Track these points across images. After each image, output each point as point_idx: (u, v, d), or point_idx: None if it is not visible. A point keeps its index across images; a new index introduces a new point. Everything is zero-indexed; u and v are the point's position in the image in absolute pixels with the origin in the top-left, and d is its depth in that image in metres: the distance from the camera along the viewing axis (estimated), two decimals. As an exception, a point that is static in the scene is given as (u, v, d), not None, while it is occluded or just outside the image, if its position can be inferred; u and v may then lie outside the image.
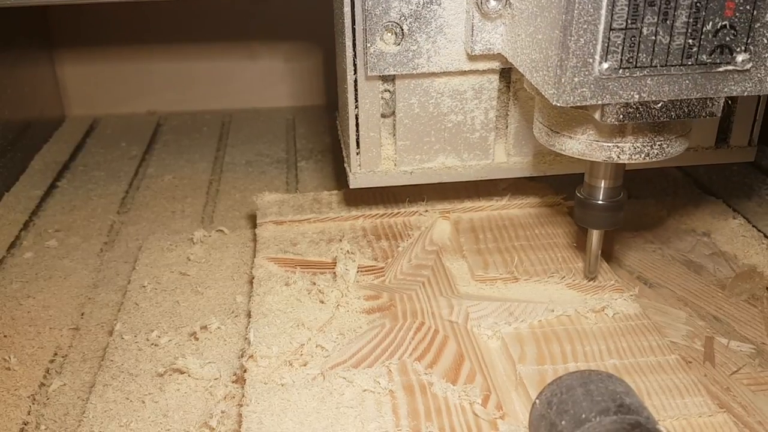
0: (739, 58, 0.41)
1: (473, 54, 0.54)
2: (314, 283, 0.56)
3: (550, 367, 0.47)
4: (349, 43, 0.55)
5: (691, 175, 0.83)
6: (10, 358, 0.55)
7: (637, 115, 0.44)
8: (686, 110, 0.44)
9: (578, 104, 0.41)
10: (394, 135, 0.60)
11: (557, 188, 0.70)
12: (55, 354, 0.56)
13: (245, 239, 0.69)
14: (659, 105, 0.43)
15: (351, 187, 0.61)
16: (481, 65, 0.57)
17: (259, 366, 0.48)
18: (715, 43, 0.41)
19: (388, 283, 0.58)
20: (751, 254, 0.65)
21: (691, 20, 0.40)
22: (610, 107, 0.43)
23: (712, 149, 0.65)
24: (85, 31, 1.04)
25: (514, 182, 0.71)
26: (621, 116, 0.43)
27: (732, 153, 0.66)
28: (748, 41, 0.41)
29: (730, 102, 0.62)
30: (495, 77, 0.58)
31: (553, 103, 0.42)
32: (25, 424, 0.49)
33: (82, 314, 0.61)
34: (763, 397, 0.49)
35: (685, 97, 0.42)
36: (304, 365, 0.48)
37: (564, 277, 0.56)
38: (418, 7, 0.53)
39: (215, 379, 0.50)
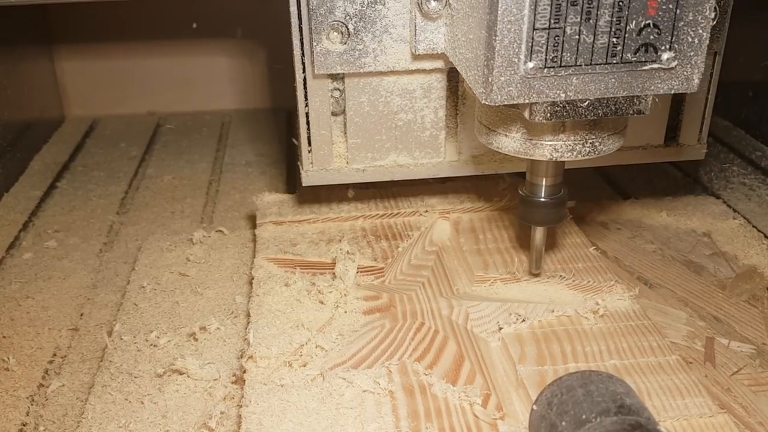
0: (664, 56, 0.42)
1: (417, 54, 0.55)
2: (314, 284, 0.56)
3: (550, 368, 0.47)
4: (296, 41, 0.56)
5: (691, 175, 0.83)
6: (8, 358, 0.55)
7: (565, 113, 0.44)
8: (614, 108, 0.44)
9: (506, 103, 0.42)
10: (346, 133, 0.61)
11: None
12: (54, 355, 0.56)
13: (245, 240, 0.69)
14: (586, 103, 0.44)
15: (303, 184, 0.62)
16: (427, 65, 0.57)
17: (259, 367, 0.48)
18: (640, 41, 0.41)
19: (388, 283, 0.58)
20: (752, 254, 0.65)
21: (615, 19, 0.41)
22: (538, 106, 0.44)
23: (661, 147, 0.66)
24: (85, 31, 1.04)
25: (514, 183, 0.71)
26: (549, 114, 0.44)
27: (682, 151, 0.66)
28: (673, 40, 0.41)
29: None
30: (443, 76, 0.59)
31: (482, 102, 0.43)
32: (24, 425, 0.49)
33: (81, 315, 0.61)
34: (764, 398, 0.49)
35: (611, 95, 0.43)
36: (304, 366, 0.48)
37: (564, 277, 0.56)
38: (362, 6, 0.54)
39: (214, 379, 0.50)
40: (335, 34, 0.54)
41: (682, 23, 0.41)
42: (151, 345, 0.54)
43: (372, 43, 0.55)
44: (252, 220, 0.70)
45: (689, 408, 0.44)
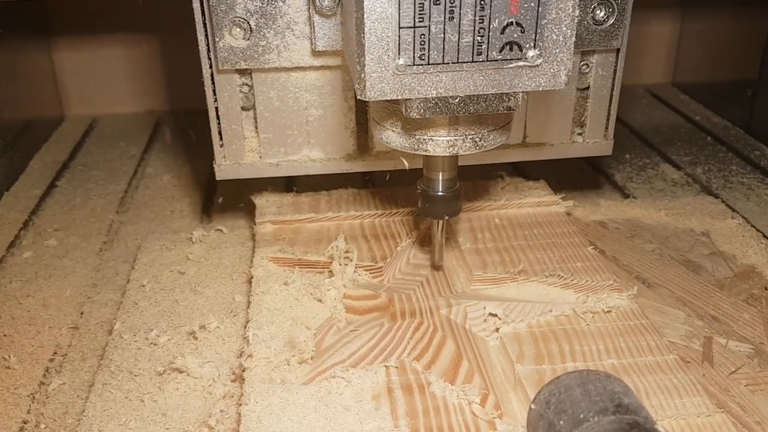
0: (529, 54, 0.43)
1: (317, 50, 0.56)
2: (313, 283, 0.56)
3: (548, 367, 0.47)
4: (201, 37, 0.57)
5: (690, 174, 0.83)
6: (9, 356, 0.55)
7: (437, 109, 0.45)
8: (484, 105, 0.45)
9: (379, 99, 0.43)
10: (257, 128, 0.62)
11: (555, 188, 0.71)
12: (55, 353, 0.57)
13: (244, 239, 0.69)
14: (457, 100, 0.45)
15: (217, 179, 0.64)
16: (331, 61, 0.59)
17: (258, 365, 0.48)
18: (504, 40, 0.42)
19: (387, 282, 0.58)
20: (750, 254, 0.66)
21: (478, 18, 0.41)
22: (411, 102, 0.45)
23: (568, 144, 0.67)
24: (84, 30, 1.04)
25: (513, 182, 0.71)
26: (422, 110, 0.45)
27: (588, 147, 0.68)
28: (537, 38, 0.42)
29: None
30: (348, 73, 0.60)
31: (358, 97, 0.44)
32: (25, 423, 0.50)
33: (82, 313, 0.61)
34: (762, 397, 0.49)
35: (480, 92, 0.44)
36: (303, 364, 0.48)
37: (562, 276, 0.56)
38: (263, 3, 0.56)
39: (214, 378, 0.50)
40: (237, 30, 0.56)
41: (545, 21, 0.42)
42: (151, 343, 0.55)
43: (275, 39, 0.57)
44: (251, 219, 0.70)
45: (687, 407, 0.44)
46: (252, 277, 0.58)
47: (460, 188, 0.54)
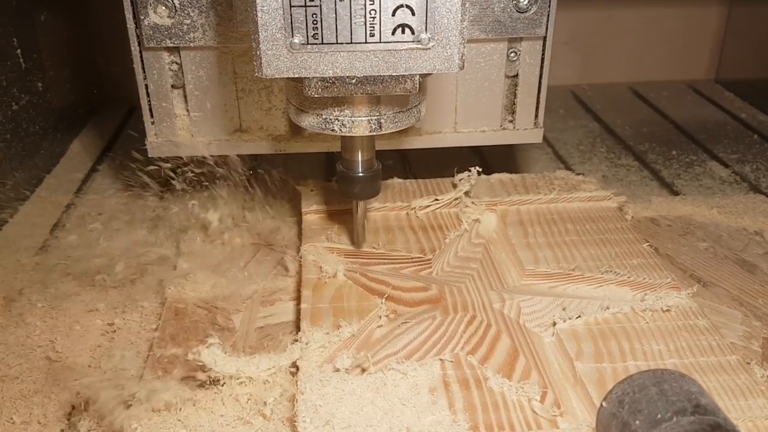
0: (422, 36, 0.43)
1: (240, 29, 0.56)
2: (362, 274, 0.55)
3: (608, 365, 0.46)
4: (129, 15, 0.58)
5: (737, 173, 0.82)
6: (56, 339, 0.55)
7: (335, 89, 0.45)
8: (381, 86, 0.45)
9: (276, 77, 0.43)
10: (188, 106, 0.62)
11: (605, 183, 0.69)
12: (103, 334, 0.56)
13: (289, 226, 0.68)
14: (354, 80, 0.45)
15: (149, 156, 0.64)
16: None
17: (312, 354, 0.47)
18: (396, 22, 0.43)
19: (436, 275, 0.57)
20: (806, 255, 0.64)
21: (368, 0, 0.42)
22: (309, 80, 0.45)
23: (499, 131, 0.68)
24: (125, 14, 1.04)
25: (562, 177, 0.70)
26: (320, 89, 0.45)
27: (518, 134, 0.68)
28: (428, 21, 0.43)
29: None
30: None
31: (256, 75, 0.44)
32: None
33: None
34: (826, 402, 0.47)
35: (376, 73, 0.44)
36: (357, 355, 0.47)
37: (618, 273, 0.55)
38: None
39: (269, 368, 0.49)
40: (162, 8, 0.56)
41: (434, 5, 0.42)
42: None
43: (200, 18, 0.57)
44: (295, 207, 0.69)
45: (753, 409, 0.43)
46: (300, 267, 0.57)
47: (378, 169, 0.54)
